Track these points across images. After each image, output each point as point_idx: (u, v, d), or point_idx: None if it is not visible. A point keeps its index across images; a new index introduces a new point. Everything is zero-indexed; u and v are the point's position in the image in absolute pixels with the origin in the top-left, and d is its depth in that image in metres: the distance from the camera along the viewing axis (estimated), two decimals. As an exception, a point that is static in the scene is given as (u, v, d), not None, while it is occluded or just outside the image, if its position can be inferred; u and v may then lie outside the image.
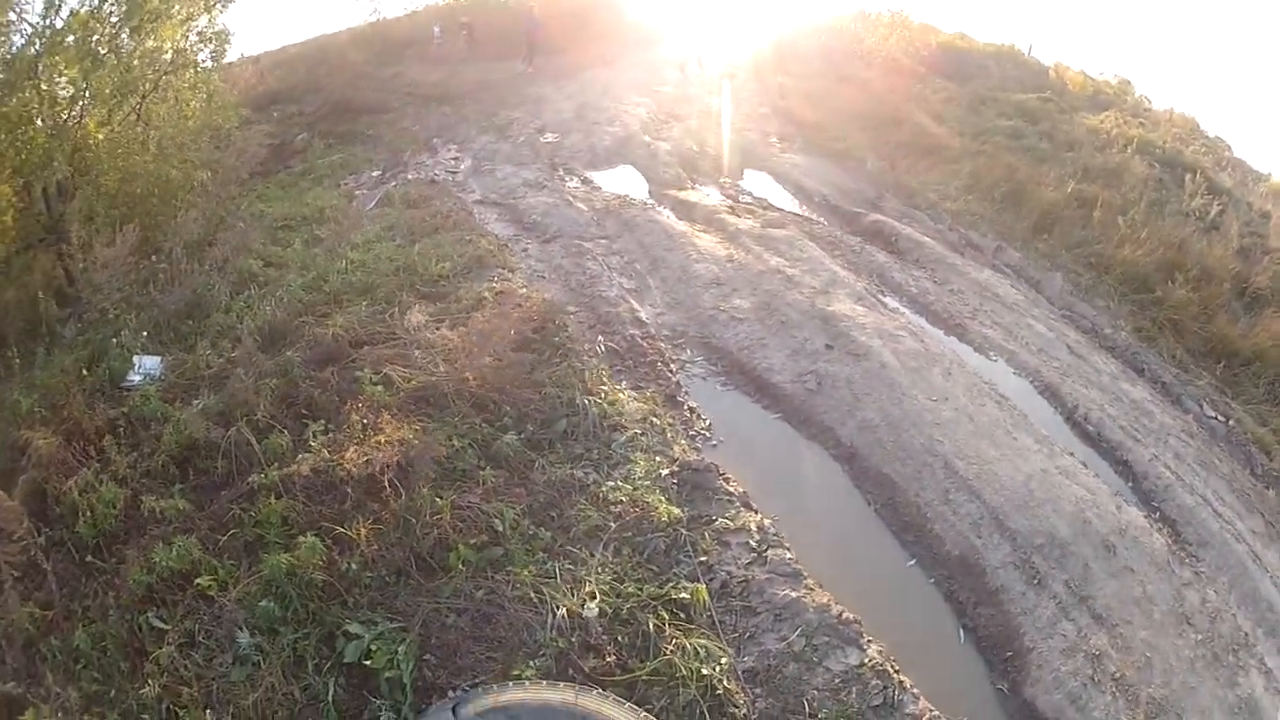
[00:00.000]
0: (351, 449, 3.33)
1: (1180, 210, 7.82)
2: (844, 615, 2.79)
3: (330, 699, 2.74)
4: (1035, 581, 3.15)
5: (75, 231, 5.37)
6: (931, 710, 2.57)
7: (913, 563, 3.21)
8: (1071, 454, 3.95)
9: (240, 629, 3.00)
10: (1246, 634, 3.48)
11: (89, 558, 3.55)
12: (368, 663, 2.74)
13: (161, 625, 3.15)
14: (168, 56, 6.59)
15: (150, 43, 6.58)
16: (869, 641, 2.72)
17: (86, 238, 5.28)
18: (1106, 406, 4.58)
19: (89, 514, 3.61)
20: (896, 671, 2.65)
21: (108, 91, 6.26)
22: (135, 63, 6.46)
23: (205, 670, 2.96)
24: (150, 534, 3.44)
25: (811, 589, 2.88)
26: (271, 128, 8.15)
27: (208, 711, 2.84)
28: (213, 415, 3.79)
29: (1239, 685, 3.23)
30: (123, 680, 3.10)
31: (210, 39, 6.70)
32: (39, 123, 5.69)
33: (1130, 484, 4.02)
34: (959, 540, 3.24)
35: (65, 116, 5.92)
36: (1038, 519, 3.38)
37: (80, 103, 6.22)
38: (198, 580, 3.14)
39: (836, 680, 2.60)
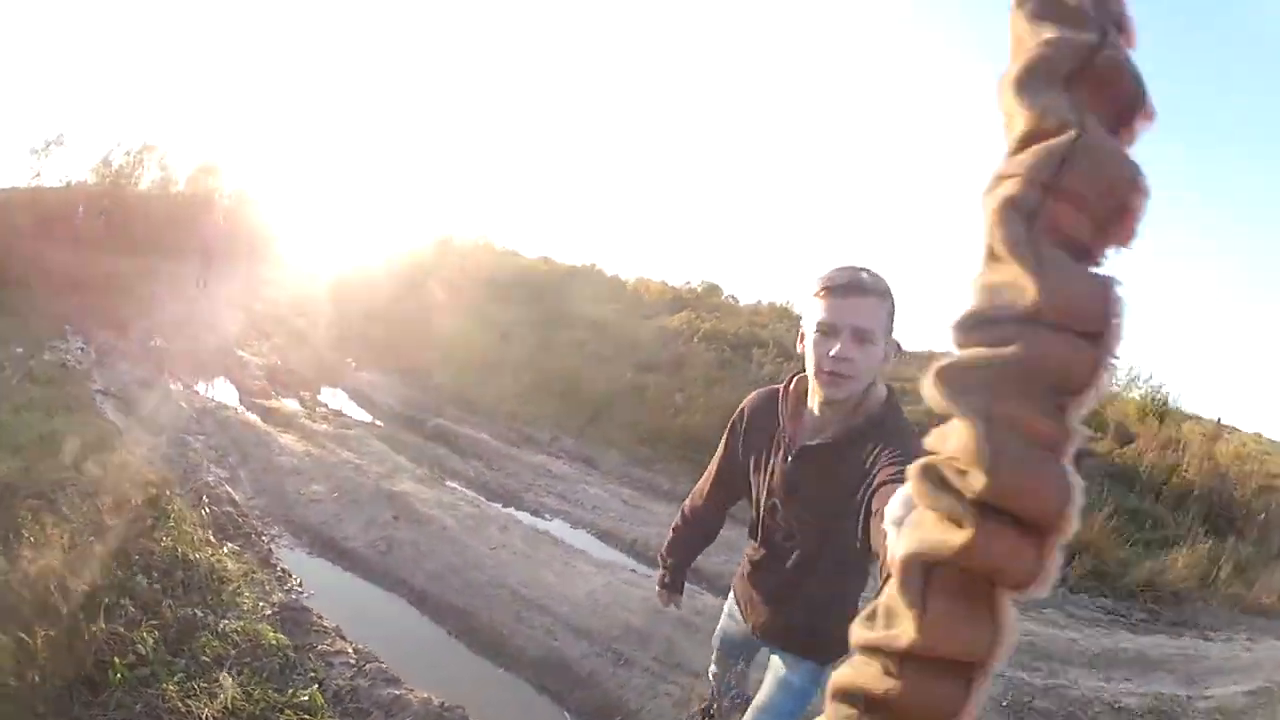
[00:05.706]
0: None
1: (749, 379, 8.72)
2: (446, 704, 3.12)
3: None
4: (622, 662, 3.59)
5: None
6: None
7: (501, 670, 3.56)
8: (634, 571, 4.64)
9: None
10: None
11: None
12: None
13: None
14: None
15: None
16: (478, 726, 3.11)
17: None
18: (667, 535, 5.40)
19: None
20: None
21: None
22: None
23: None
24: None
25: (412, 689, 3.22)
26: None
27: None
28: None
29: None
30: None
31: None
32: None
33: (702, 583, 4.57)
34: (539, 646, 3.69)
35: None
36: (608, 617, 3.96)
37: None
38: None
39: (453, 764, 2.92)
